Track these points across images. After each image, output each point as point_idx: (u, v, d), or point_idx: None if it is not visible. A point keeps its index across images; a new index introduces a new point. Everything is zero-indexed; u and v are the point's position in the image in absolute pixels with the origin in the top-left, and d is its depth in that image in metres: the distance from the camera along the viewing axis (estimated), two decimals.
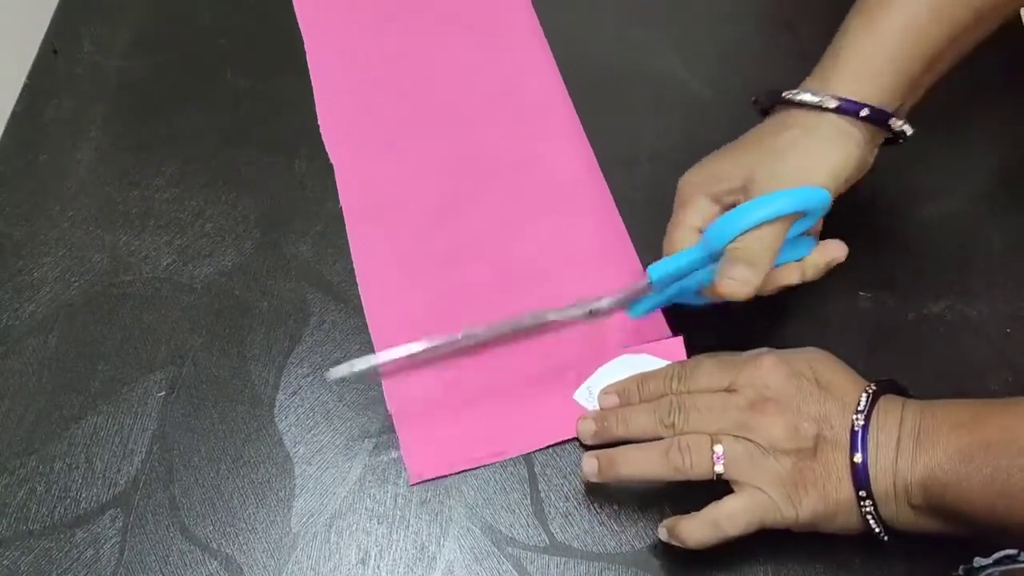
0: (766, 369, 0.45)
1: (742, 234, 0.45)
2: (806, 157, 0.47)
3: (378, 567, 0.46)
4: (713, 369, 0.47)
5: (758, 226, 0.45)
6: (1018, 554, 0.41)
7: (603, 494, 0.48)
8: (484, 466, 0.49)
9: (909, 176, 0.59)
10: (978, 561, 0.42)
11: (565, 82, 0.62)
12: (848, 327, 0.53)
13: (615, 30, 0.66)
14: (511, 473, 0.49)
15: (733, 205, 0.48)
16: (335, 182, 0.59)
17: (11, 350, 0.53)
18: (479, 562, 0.47)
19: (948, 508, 0.42)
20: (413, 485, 0.48)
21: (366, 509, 0.48)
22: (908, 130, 0.49)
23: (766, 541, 0.45)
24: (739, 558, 0.46)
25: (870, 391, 0.44)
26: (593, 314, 0.48)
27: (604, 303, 0.49)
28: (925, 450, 0.42)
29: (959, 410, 0.43)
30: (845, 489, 0.43)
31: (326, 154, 0.60)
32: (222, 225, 0.57)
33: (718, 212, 0.49)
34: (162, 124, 0.62)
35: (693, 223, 0.49)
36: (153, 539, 0.47)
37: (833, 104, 0.47)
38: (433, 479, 0.49)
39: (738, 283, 0.45)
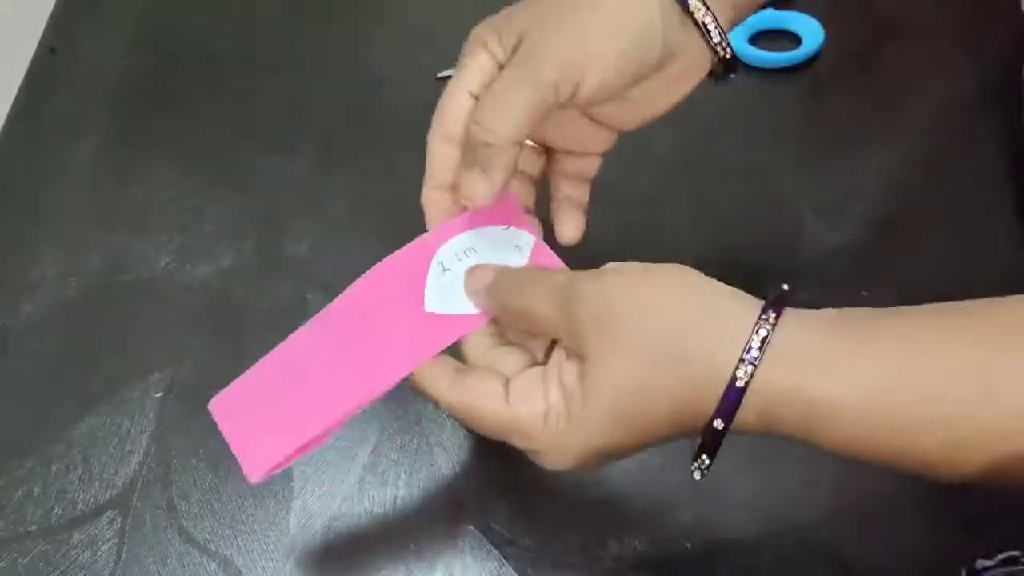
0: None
1: None
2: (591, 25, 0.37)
3: (377, 569, 0.46)
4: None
5: None
6: (1021, 556, 0.41)
7: (604, 497, 0.48)
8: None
9: (911, 174, 0.59)
10: (981, 563, 0.41)
11: None
12: None
13: None
14: (511, 475, 0.49)
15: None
16: (334, 182, 0.59)
17: (9, 350, 0.52)
18: (479, 563, 0.46)
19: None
20: (255, 485, 0.40)
21: (365, 511, 0.48)
22: (722, 45, 0.38)
23: (768, 542, 0.45)
24: (742, 560, 0.46)
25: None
26: None
27: None
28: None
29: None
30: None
31: (325, 154, 0.60)
32: (221, 225, 0.57)
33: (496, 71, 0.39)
34: (160, 124, 0.62)
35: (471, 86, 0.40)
36: (151, 541, 0.47)
37: None
38: (274, 472, 0.40)
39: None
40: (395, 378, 0.39)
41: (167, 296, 0.54)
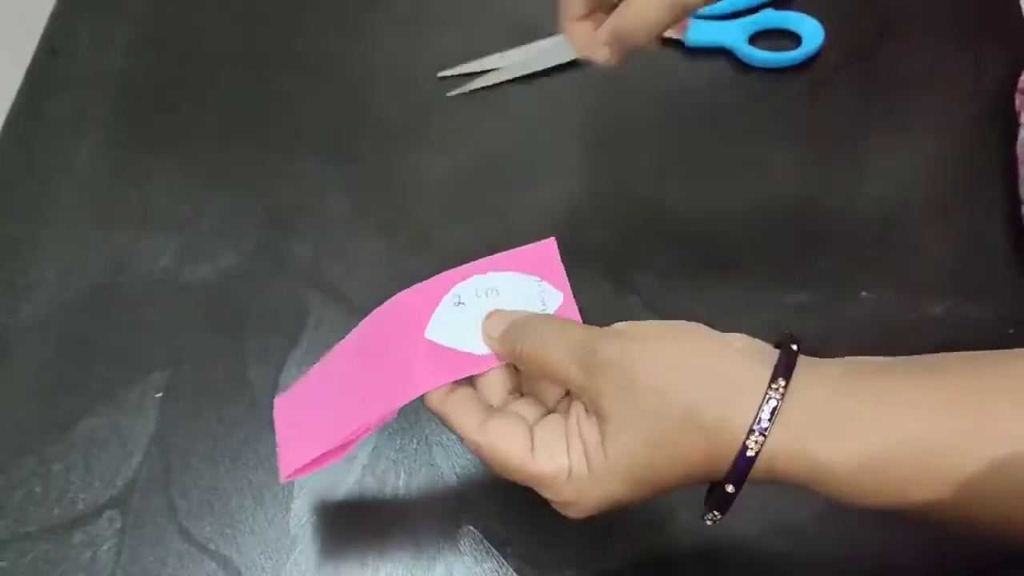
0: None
1: None
2: None
3: (377, 569, 0.46)
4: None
5: None
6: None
7: None
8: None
9: (911, 174, 0.59)
10: None
11: None
12: (849, 327, 0.53)
13: None
14: None
15: None
16: (335, 182, 0.59)
17: (8, 351, 0.52)
18: (479, 564, 0.46)
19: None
20: (285, 481, 0.42)
21: (364, 511, 0.48)
22: None
23: (768, 543, 0.45)
24: (742, 560, 0.46)
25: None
26: None
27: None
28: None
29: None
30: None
31: (326, 154, 0.60)
32: (221, 225, 0.57)
33: None
34: (161, 123, 0.62)
35: None
36: (151, 541, 0.47)
37: None
38: (301, 475, 0.42)
39: None
40: (396, 402, 0.40)
41: (167, 296, 0.54)
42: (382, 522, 0.48)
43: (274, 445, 0.49)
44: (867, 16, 0.65)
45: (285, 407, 0.44)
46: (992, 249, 0.56)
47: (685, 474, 0.36)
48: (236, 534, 0.47)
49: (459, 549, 0.47)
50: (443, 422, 0.40)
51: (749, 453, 0.34)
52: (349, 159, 0.60)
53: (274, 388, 0.51)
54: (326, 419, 0.42)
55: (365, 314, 0.54)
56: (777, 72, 0.63)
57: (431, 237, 0.57)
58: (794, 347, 0.36)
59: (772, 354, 0.36)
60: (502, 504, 0.48)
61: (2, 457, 0.49)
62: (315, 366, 0.44)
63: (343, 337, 0.53)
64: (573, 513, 0.39)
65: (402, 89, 0.63)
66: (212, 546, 0.47)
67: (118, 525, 0.47)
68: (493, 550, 0.47)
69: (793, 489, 0.36)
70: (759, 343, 0.37)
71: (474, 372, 0.40)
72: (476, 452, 0.39)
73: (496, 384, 0.41)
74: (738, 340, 0.37)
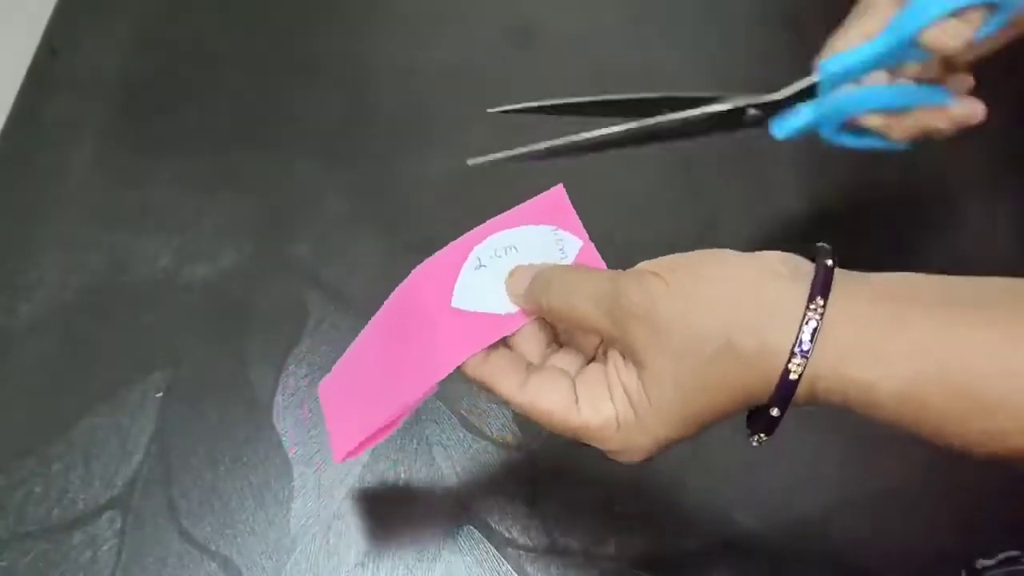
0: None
1: (936, 21, 0.43)
2: None
3: (377, 569, 0.46)
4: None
5: (954, 12, 0.42)
6: (1021, 555, 0.41)
7: (604, 497, 0.48)
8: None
9: (911, 174, 0.59)
10: (981, 563, 0.41)
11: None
12: None
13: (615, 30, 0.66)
14: (512, 473, 0.49)
15: None
16: (334, 182, 0.59)
17: (9, 351, 0.52)
18: (479, 563, 0.46)
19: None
20: (340, 462, 0.44)
21: (364, 511, 0.48)
22: None
23: (768, 542, 0.45)
24: (742, 560, 0.46)
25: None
26: (731, 120, 0.45)
27: (753, 102, 0.44)
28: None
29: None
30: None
31: (326, 154, 0.60)
32: (221, 225, 0.57)
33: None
34: (161, 124, 0.62)
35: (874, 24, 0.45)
36: (151, 541, 0.47)
37: None
38: (354, 455, 0.43)
39: (949, 34, 0.43)
40: (433, 378, 0.39)
41: (167, 296, 0.54)
42: (382, 522, 0.48)
43: (274, 444, 0.50)
44: None
45: (330, 390, 0.44)
46: (992, 249, 0.56)
47: (728, 404, 0.35)
48: (236, 534, 0.47)
49: (459, 549, 0.47)
50: (483, 389, 0.39)
51: (792, 376, 0.33)
52: (348, 159, 0.60)
53: (274, 388, 0.51)
54: (369, 399, 0.42)
55: (365, 314, 0.54)
56: None
57: (431, 237, 0.56)
58: (829, 262, 0.34)
59: (808, 270, 0.34)
60: (502, 504, 0.48)
61: (2, 457, 0.49)
62: (351, 346, 0.43)
63: (343, 337, 0.53)
64: (626, 459, 0.38)
65: (401, 89, 0.63)
66: (212, 546, 0.47)
67: (118, 525, 0.47)
68: (493, 550, 0.47)
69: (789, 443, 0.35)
70: (794, 259, 0.35)
71: (505, 333, 0.39)
72: (522, 412, 0.38)
73: (532, 340, 0.40)
74: (772, 257, 0.35)
